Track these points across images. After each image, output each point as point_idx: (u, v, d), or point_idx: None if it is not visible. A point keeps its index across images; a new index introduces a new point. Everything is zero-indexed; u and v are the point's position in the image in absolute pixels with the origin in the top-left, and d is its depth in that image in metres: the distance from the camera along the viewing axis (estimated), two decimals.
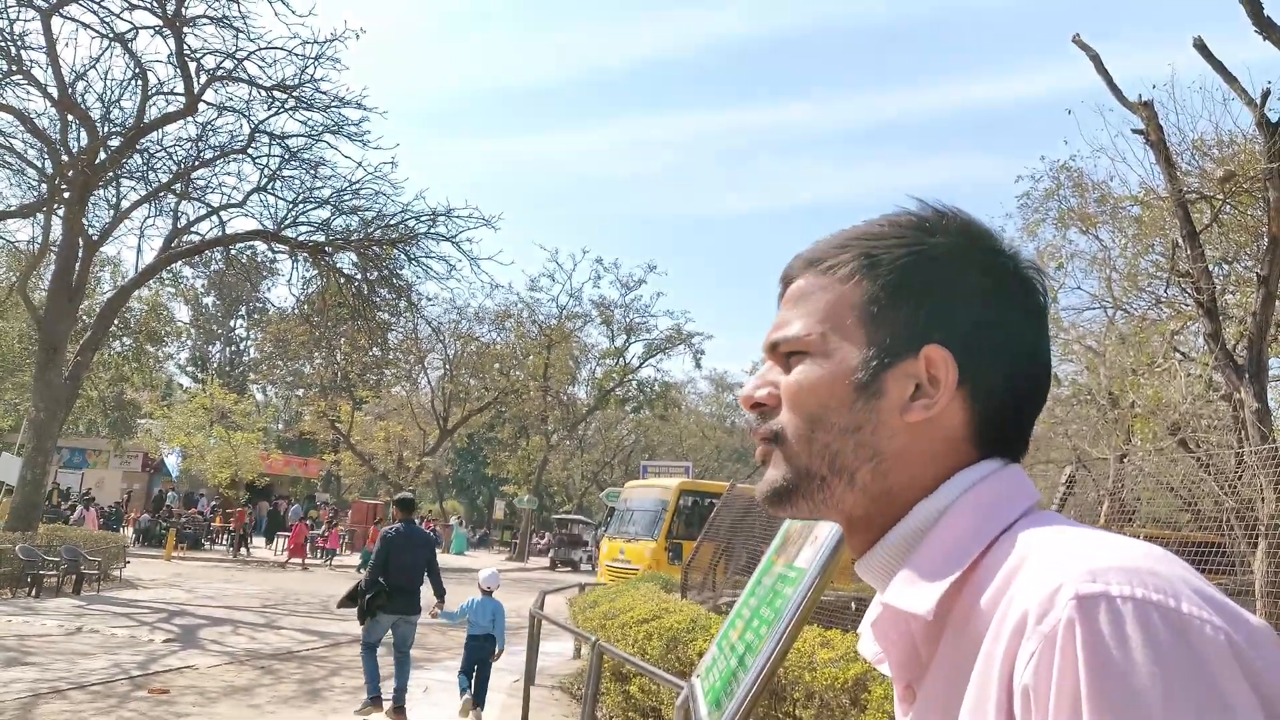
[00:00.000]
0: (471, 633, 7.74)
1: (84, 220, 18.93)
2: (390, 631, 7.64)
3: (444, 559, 31.17)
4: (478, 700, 7.54)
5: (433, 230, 20.86)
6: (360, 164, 20.43)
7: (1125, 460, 10.80)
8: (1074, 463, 8.11)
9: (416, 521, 9.84)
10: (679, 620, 6.35)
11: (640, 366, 39.56)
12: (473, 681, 7.57)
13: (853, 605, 8.39)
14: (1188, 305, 12.64)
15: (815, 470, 0.76)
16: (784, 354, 0.80)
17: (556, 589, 11.62)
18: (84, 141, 18.42)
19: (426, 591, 7.96)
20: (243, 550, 28.41)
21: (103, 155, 18.43)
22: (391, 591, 7.42)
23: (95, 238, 19.71)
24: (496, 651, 7.76)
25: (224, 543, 31.33)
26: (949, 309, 0.75)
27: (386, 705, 7.56)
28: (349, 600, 7.57)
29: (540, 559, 38.72)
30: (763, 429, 0.80)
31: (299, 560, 25.47)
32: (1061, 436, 14.88)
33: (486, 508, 55.14)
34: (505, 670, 10.34)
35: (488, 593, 7.86)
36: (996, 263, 0.78)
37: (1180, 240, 10.73)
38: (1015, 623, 0.60)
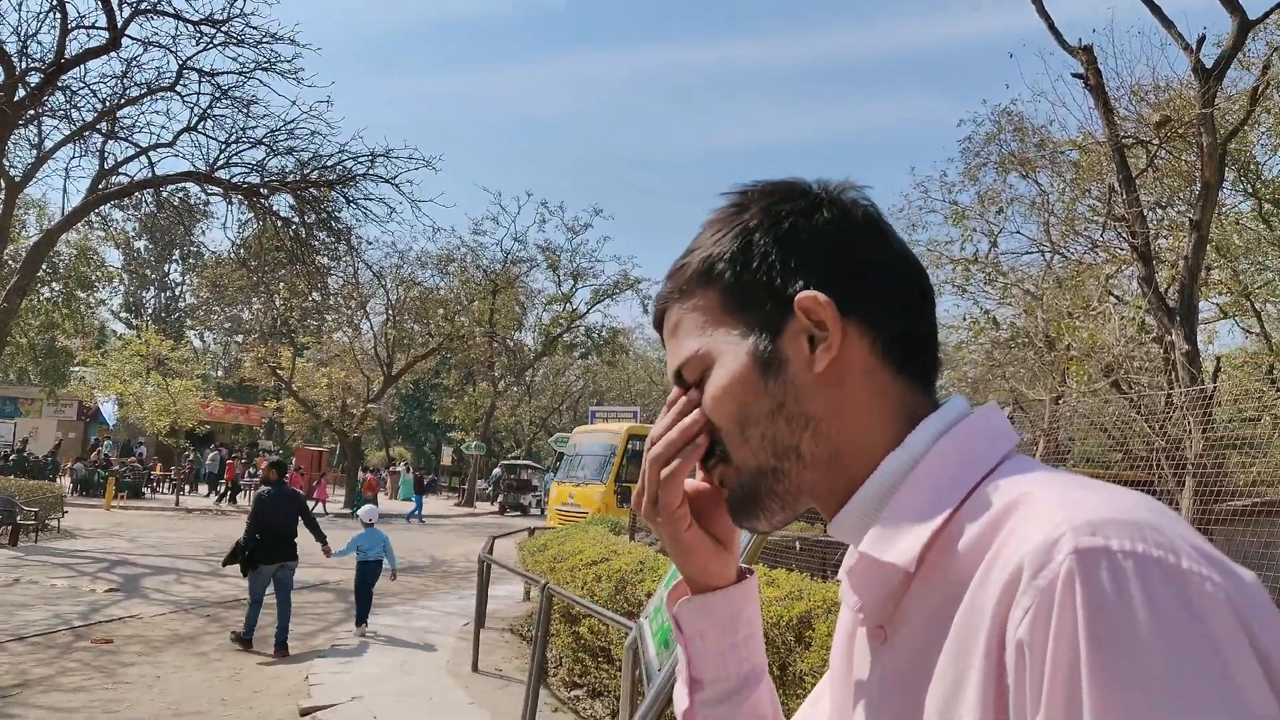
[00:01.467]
0: (362, 560, 9.15)
1: (4, 161, 18.09)
2: (272, 580, 8.63)
3: (392, 505, 31.19)
4: (362, 616, 9.25)
5: (371, 172, 20.35)
6: (294, 103, 20.12)
7: (1060, 401, 11.10)
8: (1011, 404, 8.32)
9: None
10: (627, 562, 6.43)
11: (587, 312, 39.36)
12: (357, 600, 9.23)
13: (796, 545, 8.56)
14: (1123, 249, 12.92)
15: (764, 464, 0.76)
16: (690, 382, 0.81)
17: (506, 533, 11.67)
18: (0, 78, 17.52)
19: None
20: (239, 500, 28.05)
21: (21, 93, 17.55)
22: (268, 544, 8.54)
23: (18, 179, 18.88)
24: (392, 571, 9.54)
25: (165, 490, 30.84)
26: (793, 259, 0.76)
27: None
28: (231, 558, 8.65)
29: (488, 504, 38.88)
30: (710, 462, 0.80)
31: None
32: (999, 379, 15.22)
33: (434, 454, 54.93)
34: (455, 614, 10.41)
35: (369, 525, 9.36)
36: (809, 201, 0.78)
37: (1116, 185, 10.93)
38: (1008, 574, 0.58)
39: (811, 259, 0.76)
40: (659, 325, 0.86)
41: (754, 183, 0.82)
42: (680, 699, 0.90)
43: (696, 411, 0.79)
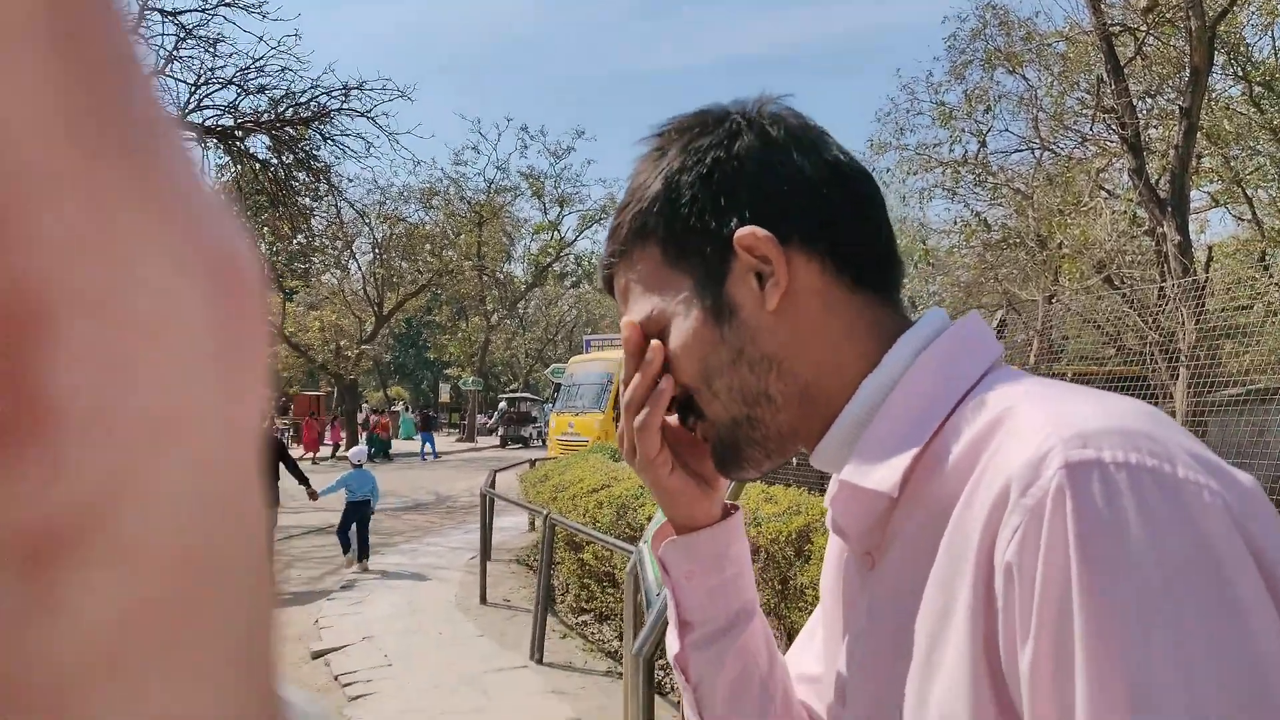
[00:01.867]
0: (351, 500, 9.28)
1: None
2: None
3: (393, 444, 31.38)
4: (362, 554, 9.18)
5: (346, 106, 19.95)
6: (262, 38, 19.36)
7: (1053, 300, 11.10)
8: (1004, 306, 8.28)
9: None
10: (628, 488, 6.45)
11: (576, 239, 39.00)
12: (354, 539, 9.19)
13: (793, 460, 8.58)
14: (1113, 142, 12.74)
15: (737, 414, 0.74)
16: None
17: (507, 466, 11.72)
18: None
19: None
20: None
21: None
22: None
23: None
24: (373, 508, 9.57)
25: None
26: (722, 196, 0.73)
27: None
28: None
29: (489, 438, 39.22)
30: (690, 420, 0.80)
31: (311, 455, 26.14)
32: (992, 281, 15.17)
33: (432, 392, 55.14)
34: (461, 549, 10.52)
35: (358, 466, 9.54)
36: (727, 129, 0.75)
37: (1105, 75, 10.73)
38: (995, 493, 0.55)
39: (740, 191, 0.73)
40: (610, 291, 0.84)
41: (671, 120, 0.79)
42: (671, 643, 0.89)
43: (653, 349, 0.75)
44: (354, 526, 9.34)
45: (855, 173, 0.75)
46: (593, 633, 6.66)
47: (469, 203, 34.99)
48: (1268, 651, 0.47)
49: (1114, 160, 13.81)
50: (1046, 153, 16.10)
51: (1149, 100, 14.07)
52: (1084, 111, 14.76)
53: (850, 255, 0.73)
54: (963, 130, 16.19)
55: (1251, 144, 14.38)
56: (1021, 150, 16.92)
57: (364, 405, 40.66)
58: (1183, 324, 6.59)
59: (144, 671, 0.14)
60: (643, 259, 0.77)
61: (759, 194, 0.72)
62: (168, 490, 0.15)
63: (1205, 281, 7.36)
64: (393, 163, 55.64)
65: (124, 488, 0.14)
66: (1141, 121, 11.40)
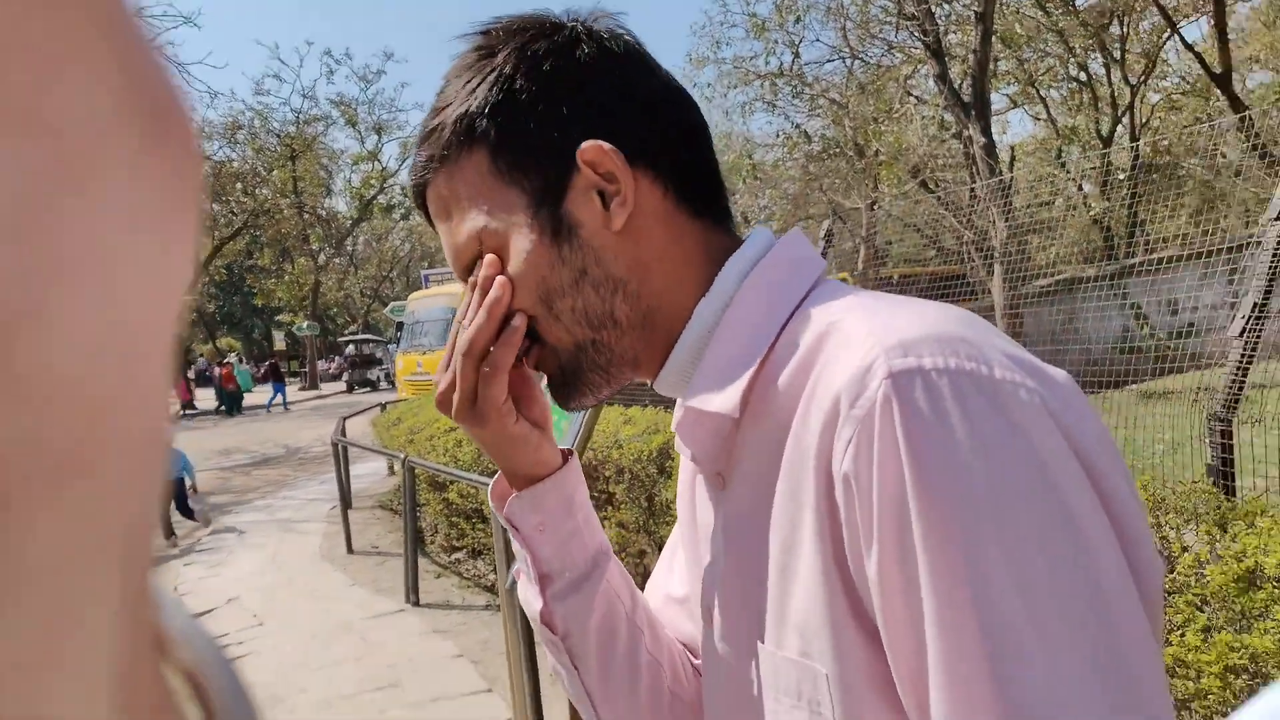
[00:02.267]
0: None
1: None
2: None
3: (251, 397, 29.97)
4: (196, 519, 9.10)
5: None
6: None
7: (875, 207, 11.69)
8: (830, 216, 8.65)
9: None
10: None
11: (399, 169, 37.52)
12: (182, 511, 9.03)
13: (649, 383, 8.77)
14: (917, 49, 13.33)
15: (581, 338, 0.71)
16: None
17: (357, 412, 11.44)
18: None
19: None
20: None
21: None
22: None
23: None
24: (191, 484, 9.18)
25: None
26: (564, 105, 0.68)
27: None
28: None
29: (333, 384, 37.93)
30: (523, 346, 0.74)
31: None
32: (817, 192, 15.76)
33: (265, 341, 52.51)
34: (320, 500, 10.27)
35: None
36: (565, 37, 0.70)
37: None
38: (828, 407, 0.56)
39: (583, 103, 0.68)
40: (421, 204, 0.75)
41: (495, 20, 0.73)
42: (531, 600, 0.84)
43: (499, 283, 0.70)
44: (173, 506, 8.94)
45: (685, 99, 0.74)
46: (467, 569, 6.72)
47: (278, 135, 32.95)
48: (1091, 536, 0.50)
49: (919, 67, 14.48)
50: (857, 61, 16.69)
51: (946, 6, 14.77)
52: (888, 20, 15.34)
53: (689, 179, 0.71)
54: (776, 41, 16.50)
55: (1042, 46, 15.39)
56: (833, 60, 17.47)
57: (199, 359, 38.32)
58: (994, 222, 7.08)
59: (28, 510, 0.13)
60: (468, 167, 0.70)
61: (603, 108, 0.69)
62: (75, 326, 0.13)
63: (1011, 180, 7.94)
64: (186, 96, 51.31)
65: (29, 314, 0.13)
66: (941, 28, 11.96)
